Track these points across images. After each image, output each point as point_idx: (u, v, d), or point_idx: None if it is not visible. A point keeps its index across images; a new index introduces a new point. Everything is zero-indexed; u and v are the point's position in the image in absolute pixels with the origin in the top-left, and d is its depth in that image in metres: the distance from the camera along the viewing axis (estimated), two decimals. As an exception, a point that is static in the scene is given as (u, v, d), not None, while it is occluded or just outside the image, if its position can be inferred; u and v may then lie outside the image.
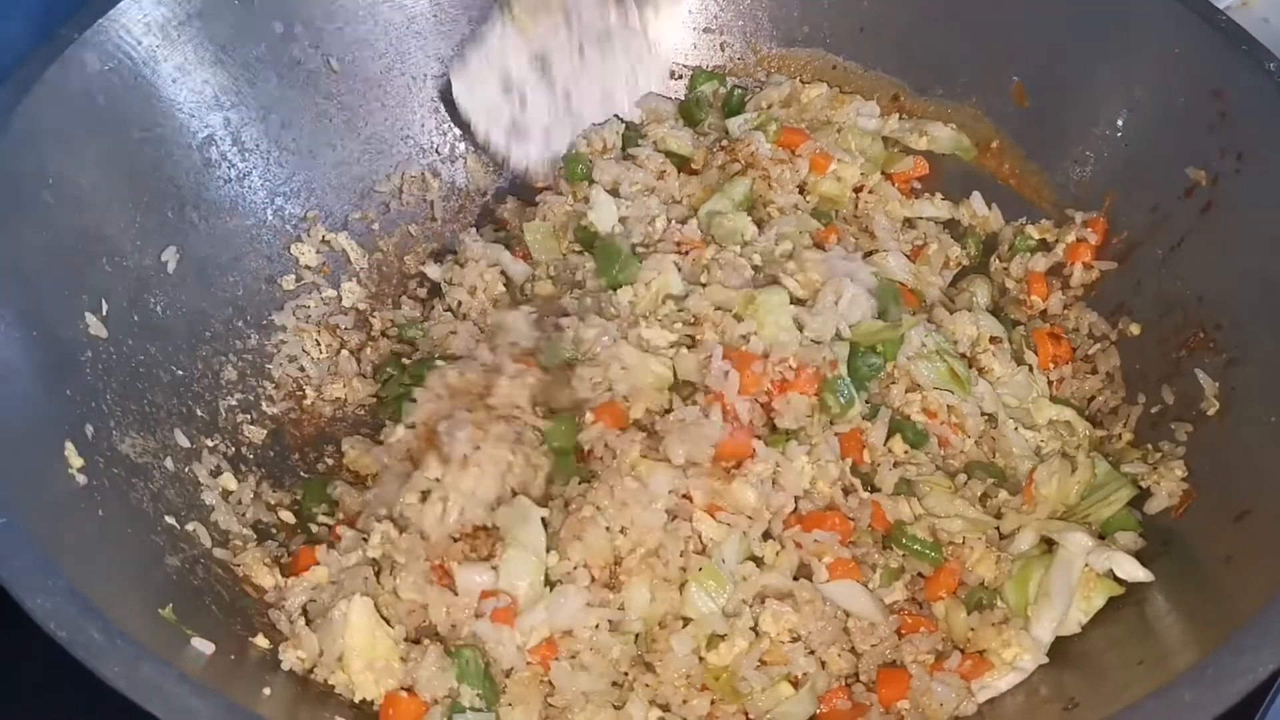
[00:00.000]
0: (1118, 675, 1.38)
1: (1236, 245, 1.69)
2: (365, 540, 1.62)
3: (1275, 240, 1.63)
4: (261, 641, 1.44)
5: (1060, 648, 1.51)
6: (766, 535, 1.61)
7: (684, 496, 1.58)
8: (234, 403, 1.84)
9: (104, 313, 1.64)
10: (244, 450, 1.81)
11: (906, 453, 1.73)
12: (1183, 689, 1.18)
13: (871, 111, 2.18)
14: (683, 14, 2.27)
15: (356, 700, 1.45)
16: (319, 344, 2.01)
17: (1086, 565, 1.56)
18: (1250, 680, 1.17)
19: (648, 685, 1.52)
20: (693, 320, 1.77)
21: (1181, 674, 1.20)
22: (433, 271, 2.11)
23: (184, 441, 1.70)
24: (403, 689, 1.46)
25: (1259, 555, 1.38)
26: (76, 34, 1.69)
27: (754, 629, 1.54)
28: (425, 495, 1.60)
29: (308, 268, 2.04)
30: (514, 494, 1.61)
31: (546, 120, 2.18)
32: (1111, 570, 1.56)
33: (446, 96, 2.16)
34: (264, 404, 1.90)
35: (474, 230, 2.14)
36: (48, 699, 1.67)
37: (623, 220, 1.98)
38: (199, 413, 1.77)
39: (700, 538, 1.57)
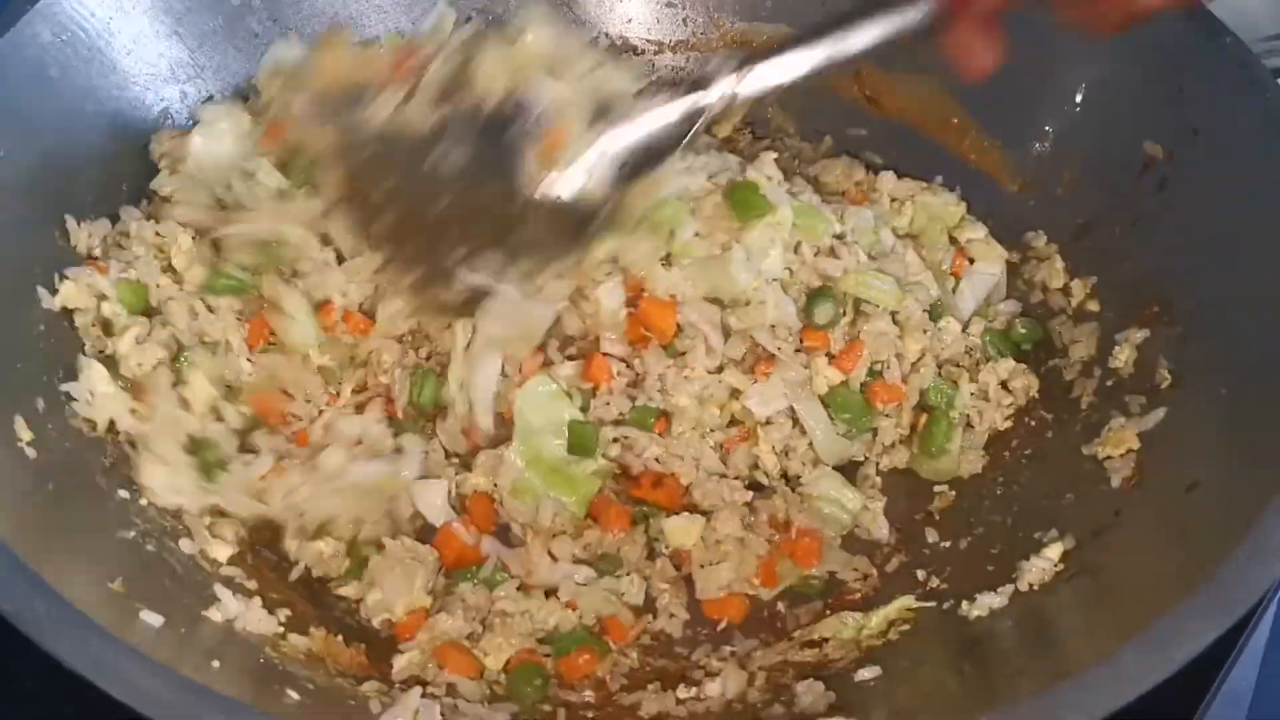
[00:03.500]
0: (1065, 644, 1.39)
1: (1191, 220, 1.70)
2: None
3: (1228, 215, 1.64)
4: (214, 615, 1.43)
5: (1006, 616, 1.51)
6: None
7: None
8: (190, 377, 1.83)
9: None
10: (200, 424, 1.80)
11: None
12: (1128, 655, 1.18)
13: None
14: (646, -11, 2.26)
15: None
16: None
17: None
18: (1196, 645, 1.17)
19: None
20: None
21: (1127, 641, 1.20)
22: None
23: (139, 415, 1.68)
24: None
25: (1208, 525, 1.39)
26: (28, 5, 1.67)
27: None
28: None
29: (266, 244, 2.02)
30: None
31: None
32: None
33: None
34: (222, 378, 1.88)
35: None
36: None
37: None
38: (154, 386, 1.75)
39: None
